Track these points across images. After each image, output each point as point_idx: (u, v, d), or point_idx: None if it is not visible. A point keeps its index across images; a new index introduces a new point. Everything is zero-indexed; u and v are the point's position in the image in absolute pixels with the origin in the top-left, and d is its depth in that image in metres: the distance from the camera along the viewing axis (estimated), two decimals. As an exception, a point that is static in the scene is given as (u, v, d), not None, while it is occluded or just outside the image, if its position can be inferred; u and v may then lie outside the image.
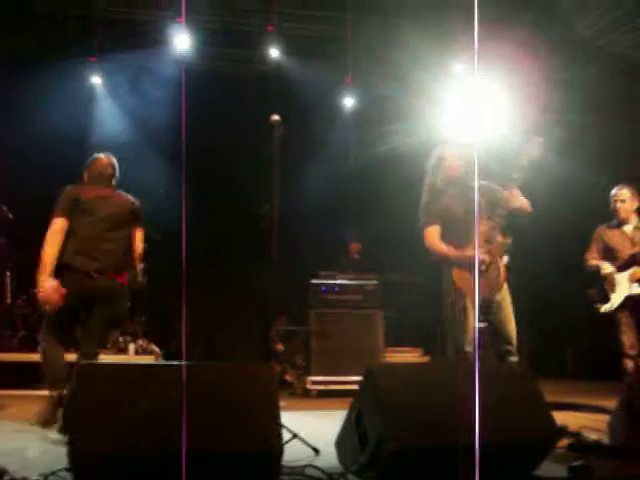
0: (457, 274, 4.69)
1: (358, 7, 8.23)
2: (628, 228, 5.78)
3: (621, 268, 5.62)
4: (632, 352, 5.42)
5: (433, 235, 4.79)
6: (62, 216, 4.65)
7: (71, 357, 5.09)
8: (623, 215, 5.78)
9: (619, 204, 5.79)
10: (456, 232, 4.69)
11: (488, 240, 4.63)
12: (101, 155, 5.05)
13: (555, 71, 7.74)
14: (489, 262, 4.62)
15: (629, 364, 5.37)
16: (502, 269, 4.69)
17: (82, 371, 3.16)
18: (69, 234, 4.66)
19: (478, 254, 4.55)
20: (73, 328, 4.93)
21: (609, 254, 5.78)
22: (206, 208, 8.22)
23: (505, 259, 4.76)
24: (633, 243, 5.70)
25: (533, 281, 8.25)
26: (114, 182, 5.04)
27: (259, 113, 5.58)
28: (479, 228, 4.62)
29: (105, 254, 4.70)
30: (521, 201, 4.67)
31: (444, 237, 4.77)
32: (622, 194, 5.81)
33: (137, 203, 5.08)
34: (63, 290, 4.52)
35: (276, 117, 4.56)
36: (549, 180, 7.83)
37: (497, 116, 7.34)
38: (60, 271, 4.60)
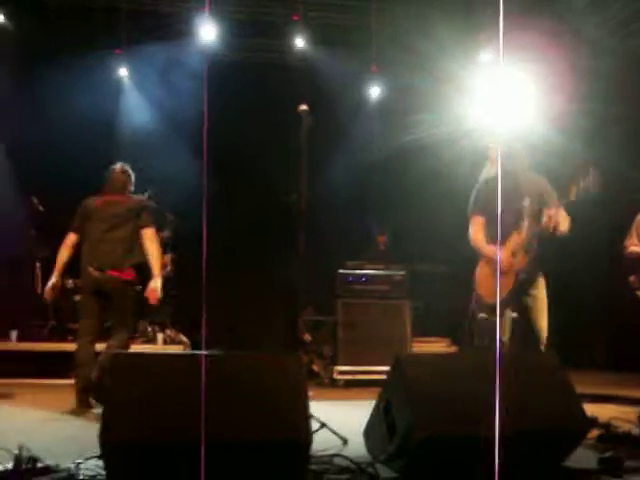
0: (480, 269, 4.86)
1: (384, -5, 8.20)
2: None
3: None
4: None
5: (474, 226, 4.91)
6: (72, 231, 5.38)
7: (101, 346, 5.20)
8: None
9: None
10: (495, 227, 4.78)
11: (521, 248, 4.67)
12: (116, 166, 5.50)
13: (581, 60, 7.65)
14: (509, 267, 4.67)
15: None
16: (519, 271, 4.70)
17: (115, 361, 3.20)
18: (82, 239, 5.33)
19: (504, 257, 4.67)
20: (99, 318, 5.29)
21: None
22: (233, 198, 8.25)
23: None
24: None
25: (562, 271, 8.18)
26: (130, 188, 5.48)
27: (286, 103, 5.58)
28: (523, 230, 4.69)
29: (103, 253, 5.19)
30: (563, 220, 4.65)
31: (487, 230, 4.86)
32: None
33: (143, 203, 5.45)
34: (49, 289, 5.29)
35: (304, 107, 4.56)
36: (572, 167, 7.79)
37: (524, 105, 7.28)
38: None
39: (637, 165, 7.18)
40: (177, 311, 7.69)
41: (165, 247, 7.62)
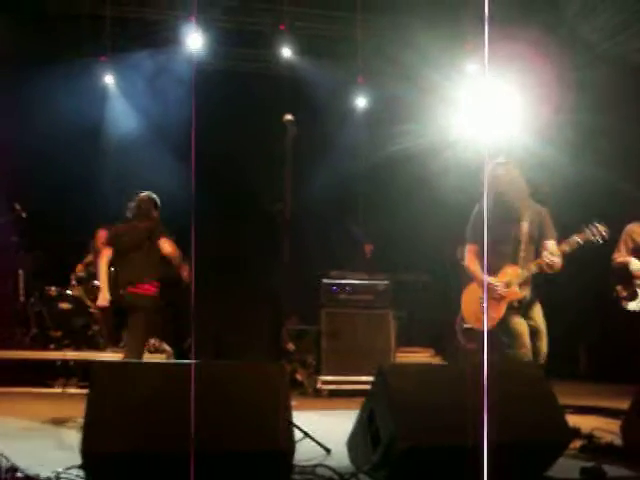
0: (469, 292, 4.97)
1: (369, 7, 8.21)
2: None
3: None
4: None
5: (469, 253, 4.95)
6: (106, 246, 5.65)
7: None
8: None
9: None
10: (490, 254, 4.76)
11: (516, 281, 4.72)
12: (141, 194, 5.66)
13: (567, 71, 7.70)
14: (501, 297, 4.72)
15: None
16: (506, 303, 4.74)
17: (96, 370, 3.18)
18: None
19: (495, 287, 4.71)
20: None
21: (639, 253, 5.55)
22: (218, 207, 8.23)
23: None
24: None
25: (545, 282, 8.22)
26: (154, 214, 5.63)
27: (272, 112, 5.58)
28: (520, 263, 4.75)
29: (124, 275, 5.44)
30: (558, 261, 4.70)
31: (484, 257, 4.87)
32: None
33: (152, 222, 5.57)
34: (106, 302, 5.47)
35: (289, 117, 4.58)
36: (560, 179, 7.82)
37: (509, 116, 7.32)
38: None
39: (626, 177, 7.23)
40: (161, 320, 7.65)
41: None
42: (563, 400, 3.75)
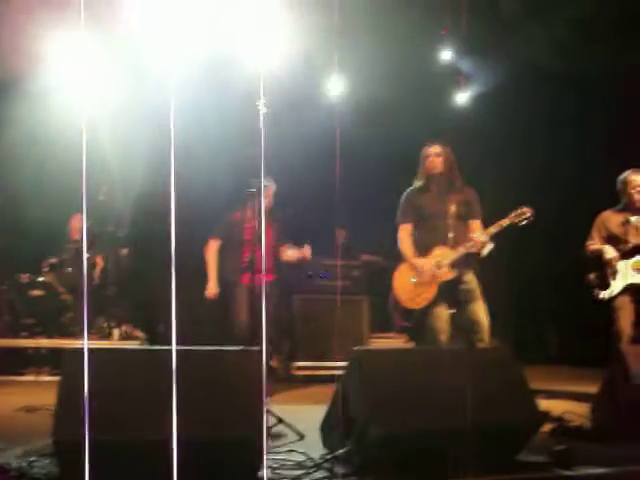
0: (400, 272, 5.10)
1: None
2: (635, 217, 5.47)
3: (624, 255, 5.42)
4: (626, 338, 5.34)
5: (402, 233, 5.11)
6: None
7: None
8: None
9: (637, 194, 5.47)
10: (423, 233, 5.02)
11: (447, 262, 4.88)
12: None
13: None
14: (431, 278, 4.90)
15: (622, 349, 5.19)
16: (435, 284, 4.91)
17: (67, 357, 3.15)
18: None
19: (428, 268, 4.90)
20: None
21: (612, 242, 5.53)
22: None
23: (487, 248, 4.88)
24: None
25: (517, 266, 8.30)
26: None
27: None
28: (450, 245, 4.90)
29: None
30: (484, 238, 4.85)
31: (416, 236, 5.08)
32: None
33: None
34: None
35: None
36: (533, 164, 7.90)
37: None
38: None
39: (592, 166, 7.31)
40: (134, 306, 7.61)
41: (121, 242, 7.53)
42: (534, 384, 3.79)
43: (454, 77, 7.79)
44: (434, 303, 4.89)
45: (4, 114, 6.74)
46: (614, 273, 5.43)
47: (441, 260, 4.88)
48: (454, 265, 4.88)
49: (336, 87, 6.91)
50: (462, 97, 7.92)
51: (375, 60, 6.71)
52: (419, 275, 4.92)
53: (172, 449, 2.69)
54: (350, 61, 6.45)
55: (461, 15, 6.52)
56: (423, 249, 4.97)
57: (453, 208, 4.90)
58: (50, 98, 6.93)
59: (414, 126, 7.08)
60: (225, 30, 5.71)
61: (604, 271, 5.50)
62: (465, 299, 4.88)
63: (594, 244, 5.60)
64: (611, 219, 5.60)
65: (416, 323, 5.06)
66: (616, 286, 5.42)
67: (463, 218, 4.98)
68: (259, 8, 4.62)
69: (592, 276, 5.60)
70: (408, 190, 5.17)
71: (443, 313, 4.90)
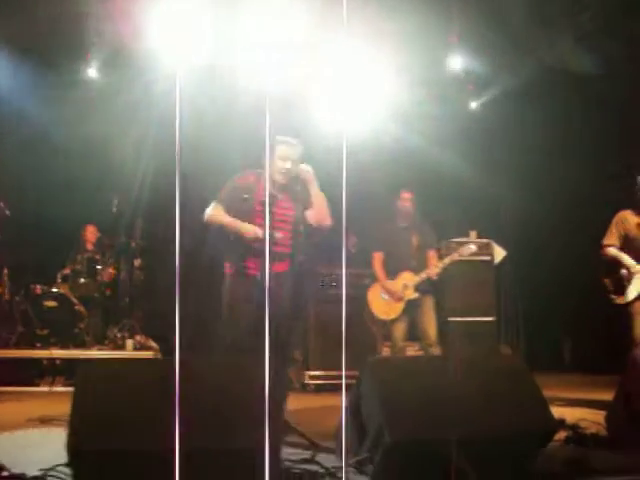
0: (374, 290, 6.23)
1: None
2: None
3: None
4: None
5: (375, 260, 6.18)
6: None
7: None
8: None
9: None
10: (392, 261, 6.12)
11: (412, 285, 6.02)
12: None
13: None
14: (399, 297, 6.04)
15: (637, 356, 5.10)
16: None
17: (81, 369, 3.17)
18: None
19: (396, 289, 6.07)
20: None
21: (628, 243, 5.45)
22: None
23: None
24: None
25: (530, 273, 8.28)
26: None
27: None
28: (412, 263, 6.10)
29: None
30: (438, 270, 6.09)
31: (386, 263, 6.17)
32: None
33: None
34: None
35: None
36: (546, 170, 7.88)
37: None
38: None
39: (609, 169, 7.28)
40: (147, 316, 7.63)
41: (134, 252, 7.57)
42: (548, 392, 3.78)
43: (465, 84, 7.81)
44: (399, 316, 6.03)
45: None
46: (630, 279, 5.38)
47: (407, 282, 6.01)
48: (416, 287, 5.99)
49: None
50: (473, 104, 7.94)
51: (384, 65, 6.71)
52: (389, 294, 6.10)
53: (174, 459, 2.69)
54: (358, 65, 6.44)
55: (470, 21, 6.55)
56: (393, 273, 6.10)
57: (415, 241, 6.10)
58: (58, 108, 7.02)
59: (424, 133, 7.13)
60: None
61: (620, 276, 5.44)
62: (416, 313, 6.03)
63: (611, 243, 5.48)
64: (629, 219, 5.50)
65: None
66: (632, 291, 5.37)
67: (422, 249, 6.12)
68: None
69: (607, 281, 5.53)
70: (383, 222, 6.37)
71: (398, 330, 6.06)
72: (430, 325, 6.03)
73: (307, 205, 4.40)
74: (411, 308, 6.03)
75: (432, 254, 6.23)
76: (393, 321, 6.09)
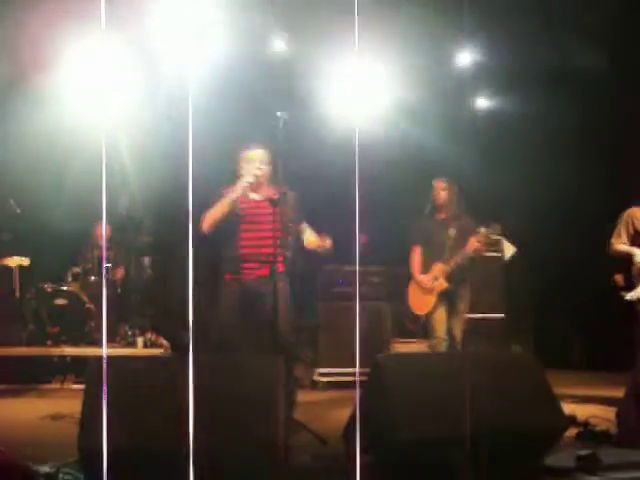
0: (411, 287, 6.09)
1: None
2: None
3: None
4: None
5: (413, 254, 6.02)
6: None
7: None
8: None
9: None
10: (429, 254, 5.92)
11: (443, 275, 5.82)
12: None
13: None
14: (430, 288, 5.87)
15: None
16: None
17: (92, 366, 3.18)
18: None
19: (426, 281, 5.90)
20: None
21: (639, 239, 5.25)
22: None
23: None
24: None
25: (541, 269, 8.25)
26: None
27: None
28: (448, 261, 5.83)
29: None
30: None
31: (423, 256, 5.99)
32: None
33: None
34: None
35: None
36: (552, 169, 7.84)
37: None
38: None
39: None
40: (158, 314, 7.64)
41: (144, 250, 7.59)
42: (559, 389, 3.77)
43: (471, 81, 7.80)
44: (435, 309, 5.81)
45: (25, 123, 6.79)
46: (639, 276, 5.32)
47: (437, 275, 5.82)
48: (448, 279, 5.78)
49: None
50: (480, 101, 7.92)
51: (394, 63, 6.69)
52: (423, 287, 5.92)
53: (189, 457, 2.70)
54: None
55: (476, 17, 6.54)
56: (428, 266, 5.90)
57: (452, 234, 5.86)
58: (69, 107, 7.03)
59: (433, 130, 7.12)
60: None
61: (631, 272, 5.38)
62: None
63: (621, 241, 5.42)
64: (639, 216, 5.45)
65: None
66: None
67: (460, 244, 5.81)
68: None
69: (618, 277, 5.48)
70: (420, 215, 6.09)
71: (439, 320, 5.80)
72: (457, 324, 5.83)
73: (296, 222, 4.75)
74: (446, 300, 5.81)
75: (472, 241, 5.81)
76: (429, 315, 5.87)
